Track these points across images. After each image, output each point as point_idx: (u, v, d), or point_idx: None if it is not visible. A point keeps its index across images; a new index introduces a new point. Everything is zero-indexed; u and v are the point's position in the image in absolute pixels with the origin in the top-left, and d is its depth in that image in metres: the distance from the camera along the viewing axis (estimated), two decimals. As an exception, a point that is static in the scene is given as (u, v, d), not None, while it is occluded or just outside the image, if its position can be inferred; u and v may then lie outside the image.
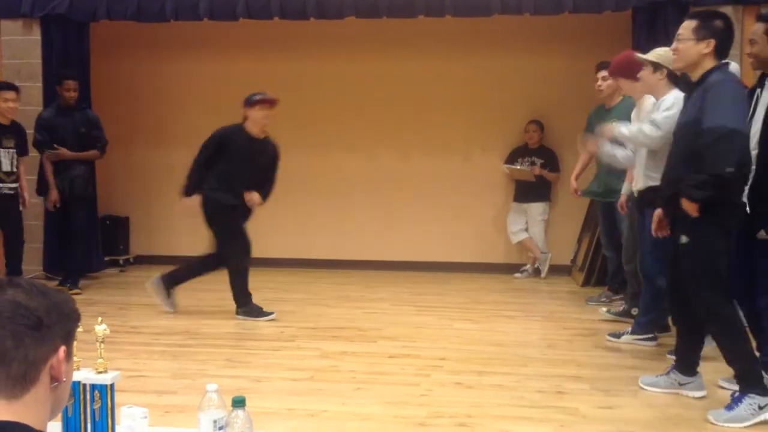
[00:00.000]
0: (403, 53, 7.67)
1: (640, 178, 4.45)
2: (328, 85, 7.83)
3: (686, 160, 3.39)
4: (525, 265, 7.53)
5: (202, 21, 6.85)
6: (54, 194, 6.41)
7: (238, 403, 1.96)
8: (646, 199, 4.38)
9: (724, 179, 3.22)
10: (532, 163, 7.36)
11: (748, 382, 3.35)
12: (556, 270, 7.46)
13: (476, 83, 7.66)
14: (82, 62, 7.04)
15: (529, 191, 7.42)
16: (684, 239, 3.46)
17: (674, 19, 6.11)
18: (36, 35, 6.97)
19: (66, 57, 6.95)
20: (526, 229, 7.48)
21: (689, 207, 3.32)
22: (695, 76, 3.49)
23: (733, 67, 3.70)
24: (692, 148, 3.34)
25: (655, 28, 6.18)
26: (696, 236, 3.40)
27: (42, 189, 6.55)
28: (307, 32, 7.56)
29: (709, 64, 3.43)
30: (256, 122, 5.43)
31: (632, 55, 4.62)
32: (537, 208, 7.43)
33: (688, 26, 3.49)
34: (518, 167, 7.36)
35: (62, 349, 1.39)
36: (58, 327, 1.38)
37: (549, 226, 7.53)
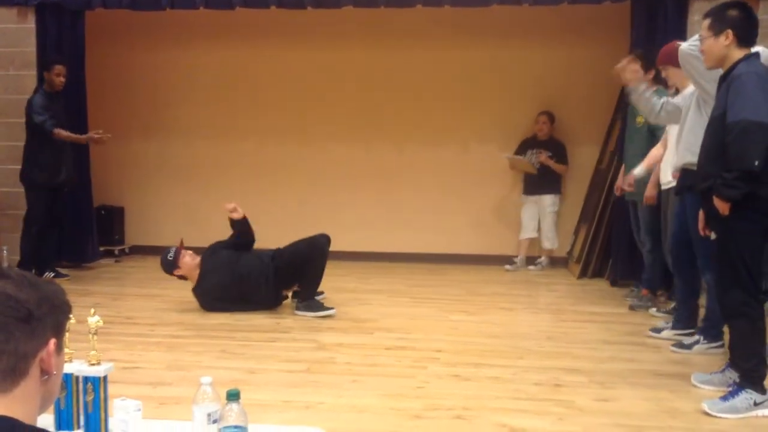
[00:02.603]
0: (400, 44, 7.64)
1: (681, 154, 4.18)
2: (326, 75, 7.80)
3: (717, 155, 3.38)
4: (539, 257, 7.50)
5: (198, 10, 6.80)
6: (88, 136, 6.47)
7: (233, 396, 1.94)
8: (684, 182, 4.15)
9: (753, 174, 3.21)
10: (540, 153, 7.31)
11: (751, 380, 3.37)
12: (553, 262, 7.45)
13: (473, 74, 7.63)
14: (76, 51, 6.99)
15: (539, 183, 7.37)
16: (713, 236, 3.49)
17: (673, 10, 6.08)
18: (30, 23, 6.91)
19: (60, 46, 6.90)
20: (537, 229, 7.43)
21: (721, 205, 3.32)
22: (724, 69, 3.47)
23: (765, 55, 3.56)
24: (720, 144, 3.33)
25: (654, 20, 6.12)
26: (725, 234, 3.40)
27: (53, 169, 6.32)
28: (304, 22, 7.52)
29: (737, 55, 3.41)
30: None
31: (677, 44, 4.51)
32: (547, 200, 7.39)
33: (704, 25, 3.52)
34: (519, 156, 7.31)
35: (52, 342, 1.36)
36: (49, 319, 1.36)
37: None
